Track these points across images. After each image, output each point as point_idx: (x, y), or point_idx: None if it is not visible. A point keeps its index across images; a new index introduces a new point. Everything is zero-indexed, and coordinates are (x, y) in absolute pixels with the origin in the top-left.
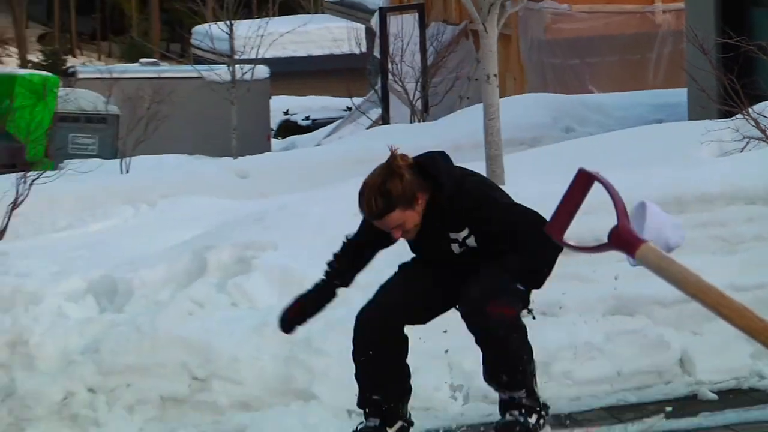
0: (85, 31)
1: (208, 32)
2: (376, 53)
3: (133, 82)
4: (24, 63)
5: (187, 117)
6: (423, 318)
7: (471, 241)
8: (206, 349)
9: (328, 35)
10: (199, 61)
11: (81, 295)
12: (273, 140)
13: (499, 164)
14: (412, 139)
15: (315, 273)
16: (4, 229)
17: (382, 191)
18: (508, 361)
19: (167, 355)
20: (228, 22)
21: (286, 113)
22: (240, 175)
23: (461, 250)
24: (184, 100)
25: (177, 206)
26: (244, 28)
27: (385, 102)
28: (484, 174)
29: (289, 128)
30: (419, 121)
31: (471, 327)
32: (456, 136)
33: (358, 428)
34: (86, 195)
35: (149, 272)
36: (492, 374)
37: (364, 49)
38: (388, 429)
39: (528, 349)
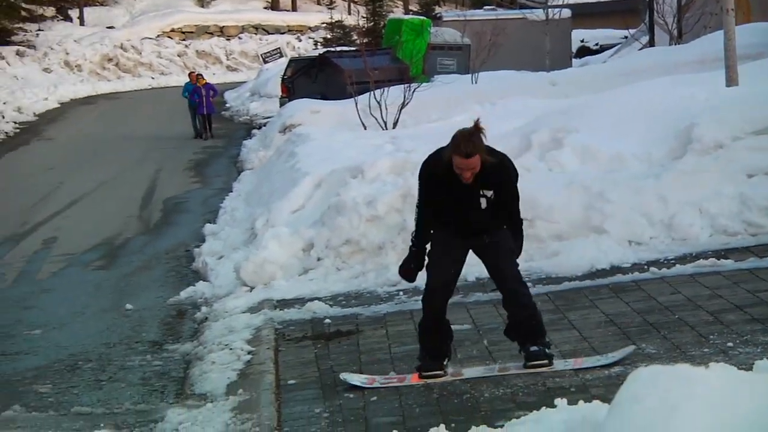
0: None
1: None
2: None
3: (479, 22)
4: (407, 11)
5: (514, 45)
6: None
7: (491, 202)
8: (532, 199)
9: None
10: (523, 6)
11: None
12: (573, 60)
13: (734, 71)
14: (672, 55)
15: (609, 148)
16: (397, 121)
17: (473, 140)
18: (536, 317)
19: None
20: None
21: (582, 41)
22: (551, 83)
23: (485, 207)
24: (512, 34)
25: (510, 104)
26: None
27: (651, 31)
28: (723, 78)
29: (584, 51)
30: (675, 44)
31: (510, 301)
32: (702, 53)
33: (424, 373)
34: (450, 97)
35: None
36: (524, 331)
37: None
38: (443, 364)
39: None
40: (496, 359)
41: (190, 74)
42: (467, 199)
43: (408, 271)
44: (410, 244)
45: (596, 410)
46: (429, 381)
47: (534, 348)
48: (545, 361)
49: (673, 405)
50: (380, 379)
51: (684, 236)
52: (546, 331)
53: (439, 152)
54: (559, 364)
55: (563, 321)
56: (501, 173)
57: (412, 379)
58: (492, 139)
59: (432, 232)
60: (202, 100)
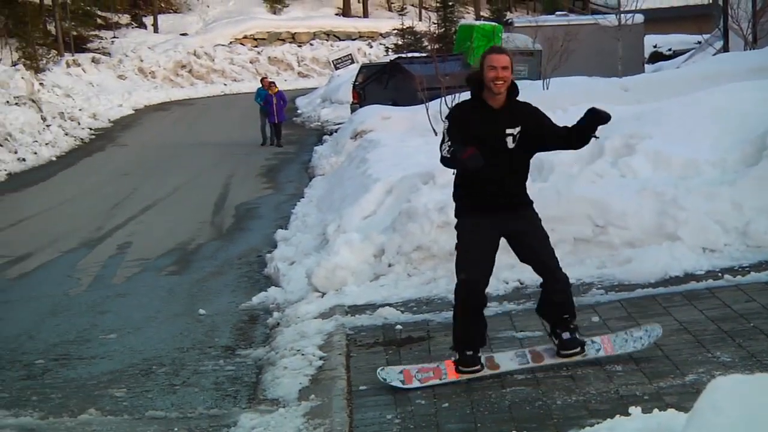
0: None
1: None
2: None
3: (550, 28)
4: (478, 17)
5: (586, 51)
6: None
7: (516, 143)
8: (604, 205)
9: None
10: (595, 12)
11: None
12: (645, 65)
13: None
14: (747, 60)
15: (682, 154)
16: None
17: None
18: (571, 296)
19: (577, 210)
20: None
21: (655, 46)
22: (623, 89)
23: (512, 147)
24: (584, 39)
25: (581, 110)
26: None
27: (725, 36)
28: None
29: (657, 57)
30: (750, 49)
31: (551, 287)
32: None
33: (462, 368)
34: None
35: (564, 155)
36: (560, 312)
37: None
38: (480, 357)
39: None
40: (524, 345)
41: (262, 80)
42: (493, 137)
43: (470, 156)
44: (445, 156)
45: (672, 419)
46: (467, 377)
47: (567, 335)
48: (578, 349)
49: (756, 416)
50: (417, 374)
51: (759, 243)
52: (576, 313)
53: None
54: (590, 351)
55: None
56: (525, 107)
57: (449, 374)
58: None
59: (458, 215)
60: (272, 109)
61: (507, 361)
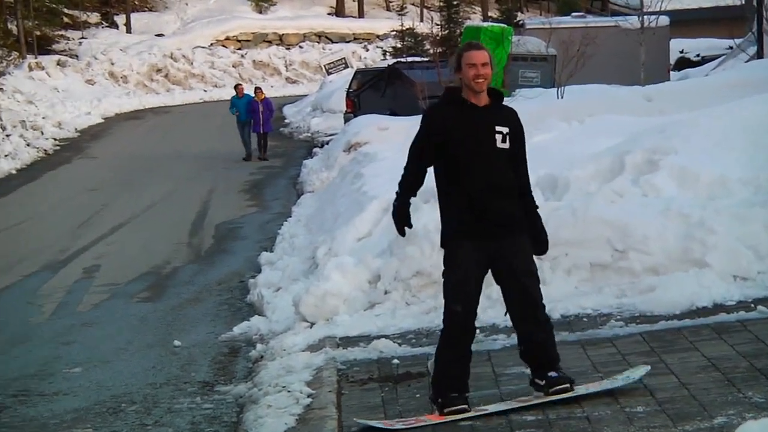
0: None
1: None
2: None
3: (566, 30)
4: (485, 17)
5: (605, 56)
6: None
7: (506, 143)
8: (624, 227)
9: None
10: (615, 13)
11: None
12: (671, 72)
13: None
14: None
15: (711, 171)
16: None
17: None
18: (553, 337)
19: (595, 232)
20: None
21: (681, 52)
22: (646, 99)
23: (501, 147)
24: (603, 43)
25: (599, 122)
26: None
27: (759, 41)
28: None
29: (683, 63)
30: None
31: (529, 318)
32: None
33: (447, 410)
34: (533, 114)
35: (581, 171)
36: (544, 354)
37: (742, 1)
38: (467, 397)
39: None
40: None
41: (236, 87)
42: (481, 133)
43: (400, 229)
44: (395, 194)
45: None
46: (453, 418)
47: (553, 373)
48: (567, 385)
49: None
50: (396, 424)
51: None
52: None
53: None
54: (580, 389)
55: (660, 365)
56: (513, 112)
57: (433, 418)
58: (580, 160)
59: (447, 243)
60: (258, 117)
61: (494, 404)
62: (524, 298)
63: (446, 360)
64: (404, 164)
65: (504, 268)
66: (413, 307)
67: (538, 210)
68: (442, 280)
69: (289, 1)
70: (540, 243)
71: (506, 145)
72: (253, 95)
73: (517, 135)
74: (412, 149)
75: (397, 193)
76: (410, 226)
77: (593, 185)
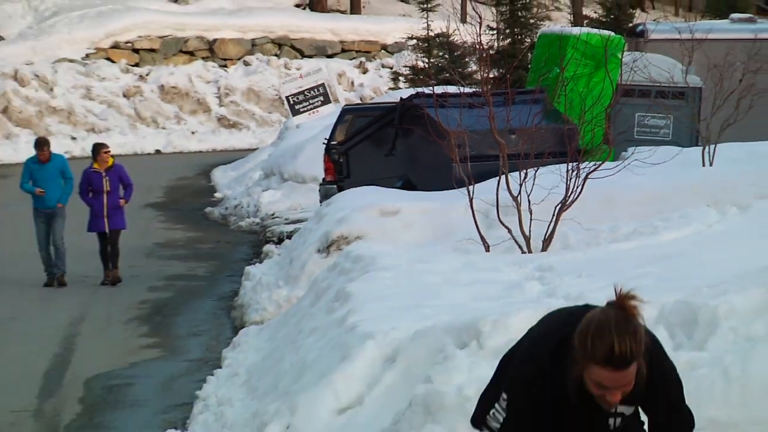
0: None
1: None
2: None
3: (720, 44)
4: (577, 19)
5: None
6: None
7: (627, 421)
8: None
9: None
10: None
11: (649, 326)
12: None
13: None
14: None
15: None
16: (551, 236)
17: (634, 333)
18: None
19: (762, 408)
20: None
21: None
22: None
23: (616, 426)
24: None
25: None
26: None
27: None
28: None
29: None
30: None
31: None
32: None
33: None
34: (656, 193)
35: (740, 297)
36: None
37: None
38: None
39: None
40: None
41: (38, 141)
42: (587, 422)
43: None
44: None
45: None
46: None
47: None
48: None
49: None
50: None
51: None
52: None
53: (554, 339)
54: None
55: None
56: (653, 372)
57: None
58: (739, 278)
59: None
60: (102, 202)
61: None
62: None
63: None
64: None
65: None
66: None
67: None
68: None
69: None
70: None
71: (622, 424)
72: (93, 160)
73: (660, 392)
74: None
75: None
76: None
77: (760, 324)
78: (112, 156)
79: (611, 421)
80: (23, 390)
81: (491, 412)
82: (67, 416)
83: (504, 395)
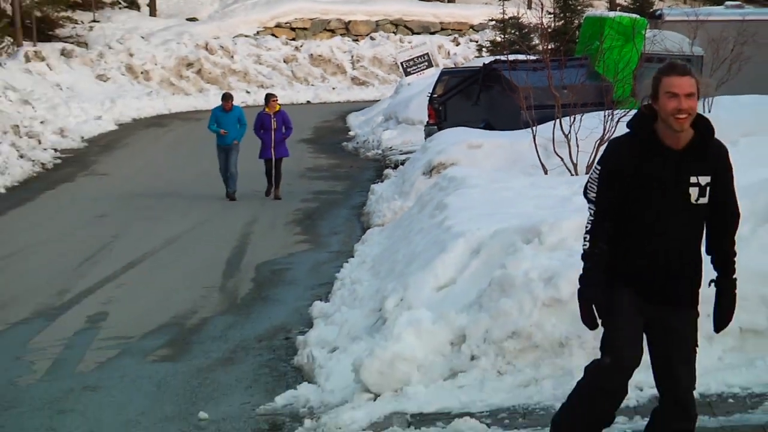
0: None
1: None
2: None
3: (717, 24)
4: (613, 5)
5: None
6: None
7: (705, 196)
8: None
9: None
10: None
11: None
12: None
13: None
14: None
15: None
16: (592, 163)
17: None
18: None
19: (747, 289)
20: None
21: None
22: None
23: (696, 203)
24: (767, 42)
25: (757, 145)
26: None
27: None
28: None
29: None
30: None
31: (675, 413)
32: None
33: None
34: None
35: None
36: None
37: None
38: None
39: None
40: None
41: (225, 97)
42: (669, 191)
43: (591, 321)
44: (582, 254)
45: None
46: None
47: None
48: None
49: None
50: None
51: None
52: None
53: (622, 136)
54: None
55: None
56: (720, 151)
57: None
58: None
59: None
60: (270, 137)
61: None
62: (673, 389)
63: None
64: (586, 225)
65: (654, 344)
66: (507, 378)
67: (734, 279)
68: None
69: None
70: (719, 321)
71: (705, 200)
72: (265, 106)
73: (722, 181)
74: (598, 203)
75: (585, 269)
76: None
77: (745, 228)
78: (279, 104)
79: (691, 190)
80: (211, 272)
81: (588, 184)
82: (243, 291)
83: (597, 167)
